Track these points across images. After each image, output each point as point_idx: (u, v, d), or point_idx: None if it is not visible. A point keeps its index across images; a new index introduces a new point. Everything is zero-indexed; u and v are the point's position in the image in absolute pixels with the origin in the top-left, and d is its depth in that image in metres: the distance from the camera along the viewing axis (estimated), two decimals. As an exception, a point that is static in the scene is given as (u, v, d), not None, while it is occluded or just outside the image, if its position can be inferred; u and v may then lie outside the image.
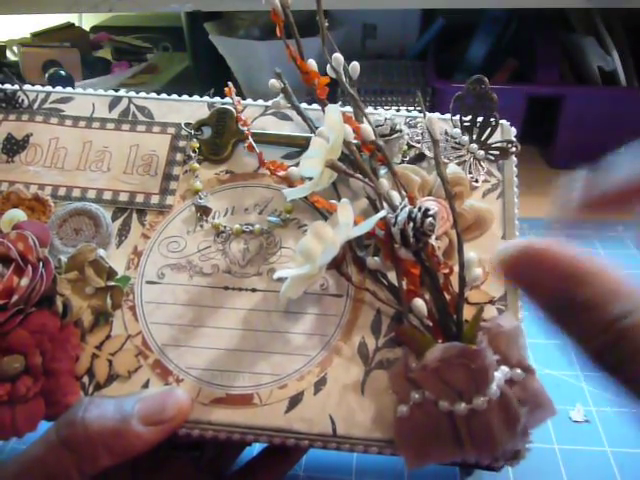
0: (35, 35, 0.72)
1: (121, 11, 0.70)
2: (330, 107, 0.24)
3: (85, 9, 0.66)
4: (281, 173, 0.28)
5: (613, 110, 0.63)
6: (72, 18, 0.79)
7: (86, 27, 0.85)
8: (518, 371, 0.25)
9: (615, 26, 0.67)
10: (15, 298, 0.25)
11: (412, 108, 0.30)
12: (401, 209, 0.25)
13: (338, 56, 0.27)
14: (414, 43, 0.79)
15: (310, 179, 0.24)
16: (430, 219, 0.24)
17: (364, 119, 0.28)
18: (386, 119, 0.28)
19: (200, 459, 0.29)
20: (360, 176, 0.26)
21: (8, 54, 0.72)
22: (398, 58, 0.80)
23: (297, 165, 0.30)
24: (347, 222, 0.23)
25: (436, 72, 0.68)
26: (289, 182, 0.28)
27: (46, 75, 0.55)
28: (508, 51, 0.72)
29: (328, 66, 0.28)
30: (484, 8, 0.65)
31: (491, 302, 0.27)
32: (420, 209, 0.24)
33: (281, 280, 0.27)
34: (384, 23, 0.79)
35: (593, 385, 0.42)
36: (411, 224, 0.24)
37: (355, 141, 0.27)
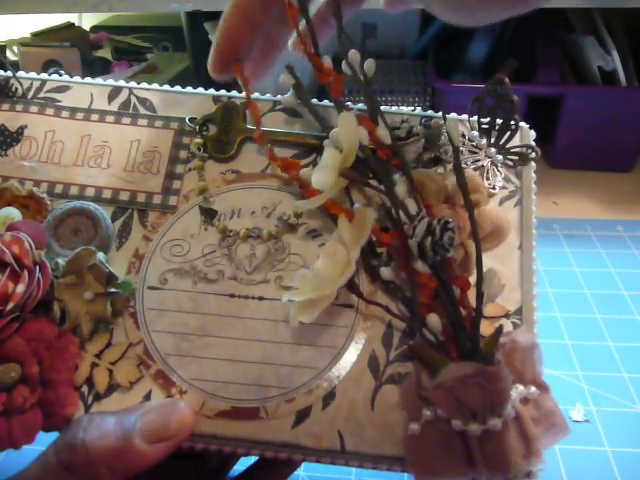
0: (35, 35, 0.71)
1: (121, 11, 0.70)
2: (344, 114, 0.23)
3: (85, 9, 0.66)
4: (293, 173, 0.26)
5: (613, 110, 0.64)
6: (72, 18, 0.78)
7: (86, 27, 0.84)
8: (532, 389, 0.24)
9: (615, 26, 0.67)
10: (11, 305, 0.24)
11: (413, 108, 0.29)
12: (419, 220, 0.24)
13: (355, 53, 0.26)
14: (414, 43, 0.78)
15: None
16: (450, 233, 0.23)
17: (380, 121, 0.26)
18: (403, 121, 0.27)
19: (203, 468, 0.28)
20: (375, 184, 0.25)
21: (8, 54, 0.71)
22: (398, 58, 0.79)
23: (307, 166, 0.29)
24: (357, 240, 0.22)
25: (436, 72, 0.67)
26: (301, 183, 0.27)
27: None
28: (508, 51, 0.71)
29: (343, 63, 0.26)
30: (484, 8, 0.64)
31: (506, 316, 0.26)
32: (439, 222, 0.23)
33: (288, 289, 0.26)
34: (384, 23, 0.77)
35: (593, 385, 0.42)
36: (430, 237, 0.23)
37: (369, 144, 0.26)
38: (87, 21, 0.87)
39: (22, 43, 0.68)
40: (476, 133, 0.29)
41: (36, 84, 0.31)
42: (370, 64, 0.26)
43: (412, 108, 0.29)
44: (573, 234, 0.58)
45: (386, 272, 0.25)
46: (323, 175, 0.22)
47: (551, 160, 0.69)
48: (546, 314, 0.48)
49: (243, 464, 0.32)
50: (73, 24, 0.76)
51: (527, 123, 0.30)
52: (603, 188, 0.66)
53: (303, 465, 0.38)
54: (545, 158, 0.69)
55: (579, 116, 0.64)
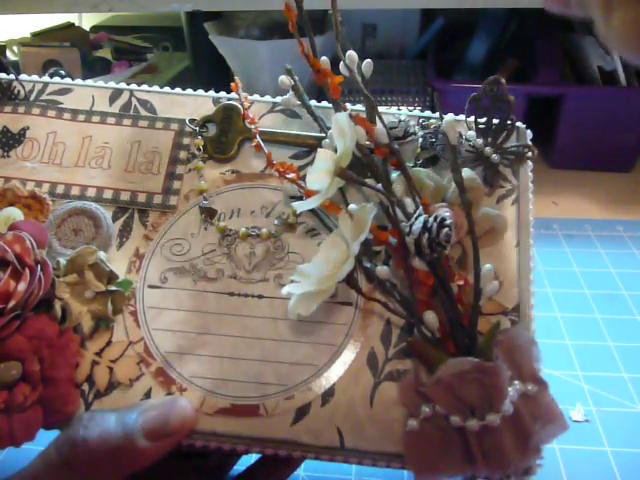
0: (35, 35, 0.72)
1: (121, 11, 0.70)
2: (338, 115, 0.23)
3: (85, 9, 0.66)
4: (290, 175, 0.27)
5: (613, 110, 0.64)
6: (72, 18, 0.79)
7: (86, 27, 0.85)
8: (530, 385, 0.24)
9: (615, 26, 0.67)
10: (12, 304, 0.24)
11: (412, 108, 0.29)
12: (416, 218, 0.24)
13: (352, 54, 0.26)
14: (414, 43, 0.78)
15: None
16: (446, 230, 0.23)
17: (378, 120, 0.26)
18: (400, 121, 0.27)
19: (203, 467, 0.29)
20: (373, 182, 0.25)
21: (8, 54, 0.72)
22: (398, 58, 0.79)
23: (306, 166, 0.29)
24: (357, 235, 0.22)
25: (436, 72, 0.67)
26: (299, 185, 0.27)
27: (46, 75, 0.57)
28: (508, 51, 0.71)
29: (341, 64, 0.26)
30: (484, 8, 0.64)
31: (504, 313, 0.26)
32: (436, 219, 0.23)
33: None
34: (384, 23, 0.78)
35: (593, 385, 0.42)
36: (426, 234, 0.23)
37: (368, 143, 0.26)
38: (87, 21, 0.87)
39: (22, 43, 0.68)
40: (473, 133, 0.29)
41: (38, 86, 0.31)
42: (367, 65, 0.27)
43: (411, 108, 0.30)
44: (573, 234, 0.58)
45: (382, 271, 0.25)
46: (316, 179, 0.22)
47: (551, 160, 0.69)
48: (546, 314, 0.48)
49: (243, 464, 0.32)
50: (73, 24, 0.76)
51: (527, 123, 0.30)
52: (603, 188, 0.66)
53: (303, 465, 0.38)
54: (545, 158, 0.69)
55: (579, 116, 0.64)
